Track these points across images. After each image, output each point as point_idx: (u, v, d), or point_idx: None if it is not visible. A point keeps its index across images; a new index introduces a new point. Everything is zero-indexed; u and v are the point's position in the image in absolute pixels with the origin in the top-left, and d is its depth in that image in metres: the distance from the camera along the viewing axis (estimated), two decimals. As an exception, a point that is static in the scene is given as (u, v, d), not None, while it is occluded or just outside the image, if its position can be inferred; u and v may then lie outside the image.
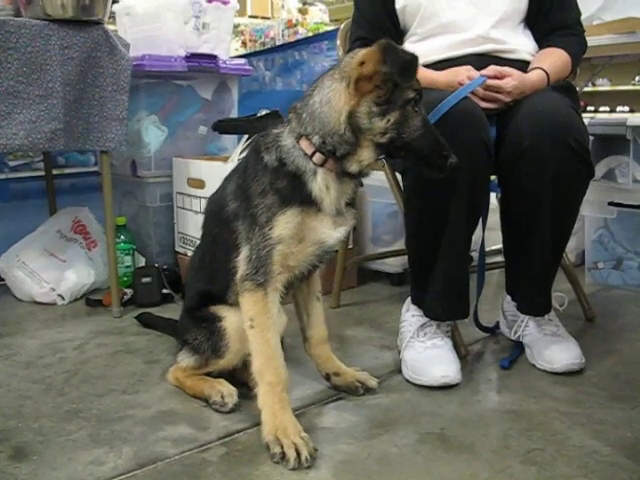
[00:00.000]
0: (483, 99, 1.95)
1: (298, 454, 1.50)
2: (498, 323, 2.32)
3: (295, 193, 1.60)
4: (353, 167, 1.61)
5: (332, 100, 1.58)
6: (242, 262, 1.66)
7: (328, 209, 1.63)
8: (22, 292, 2.86)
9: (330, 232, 1.65)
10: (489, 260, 2.27)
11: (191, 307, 1.91)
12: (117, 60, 2.49)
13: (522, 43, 2.15)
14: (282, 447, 1.52)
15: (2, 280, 2.95)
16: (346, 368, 1.92)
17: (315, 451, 1.54)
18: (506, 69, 1.97)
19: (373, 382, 1.90)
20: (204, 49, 3.00)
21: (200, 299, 1.88)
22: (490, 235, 2.16)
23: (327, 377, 1.91)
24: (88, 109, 2.48)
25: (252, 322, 1.64)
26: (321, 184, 1.61)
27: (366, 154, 1.59)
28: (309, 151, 1.60)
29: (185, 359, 1.88)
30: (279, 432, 1.55)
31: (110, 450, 1.59)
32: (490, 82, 1.94)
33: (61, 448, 1.61)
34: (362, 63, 1.55)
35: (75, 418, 1.76)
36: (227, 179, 1.82)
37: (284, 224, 1.59)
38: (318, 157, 1.60)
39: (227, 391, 1.82)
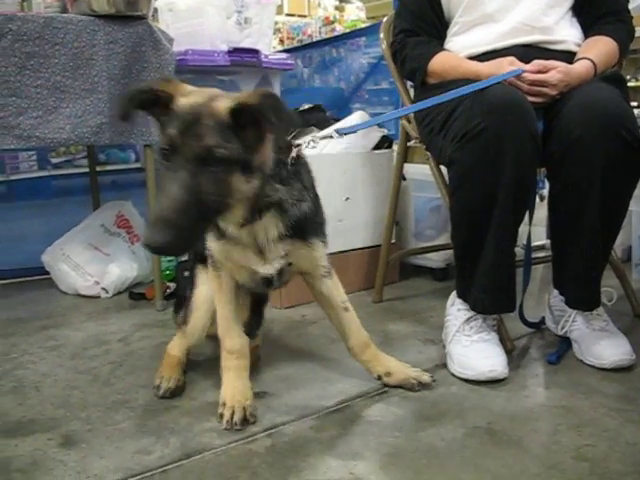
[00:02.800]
0: (529, 94, 1.92)
1: (232, 417, 1.65)
2: (544, 318, 2.28)
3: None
4: None
5: None
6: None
7: (246, 244, 1.61)
8: (67, 285, 2.90)
9: (257, 266, 1.65)
10: (532, 255, 2.23)
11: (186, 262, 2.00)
12: (161, 54, 2.50)
13: (569, 33, 2.12)
14: (224, 408, 1.68)
15: (47, 273, 3.00)
16: (396, 366, 1.89)
17: (254, 417, 1.67)
18: (551, 62, 1.94)
19: (426, 377, 1.88)
20: (246, 44, 3.01)
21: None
22: (533, 231, 2.12)
23: (379, 378, 1.88)
24: (133, 103, 2.49)
25: (214, 295, 1.78)
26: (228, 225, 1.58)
27: None
28: None
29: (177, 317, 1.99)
30: (228, 396, 1.70)
31: (157, 440, 1.60)
32: (534, 76, 1.92)
33: (108, 437, 1.62)
34: None
35: (122, 408, 1.78)
36: None
37: (212, 244, 1.67)
38: None
39: (167, 375, 1.87)
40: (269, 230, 1.59)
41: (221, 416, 1.67)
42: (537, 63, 1.94)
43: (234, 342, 1.75)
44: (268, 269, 1.65)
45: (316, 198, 1.69)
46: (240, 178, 1.38)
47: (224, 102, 1.36)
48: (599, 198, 1.85)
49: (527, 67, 1.94)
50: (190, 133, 1.32)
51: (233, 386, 1.72)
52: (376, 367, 1.87)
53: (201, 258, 1.84)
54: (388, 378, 1.87)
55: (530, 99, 1.90)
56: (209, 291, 1.84)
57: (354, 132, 1.92)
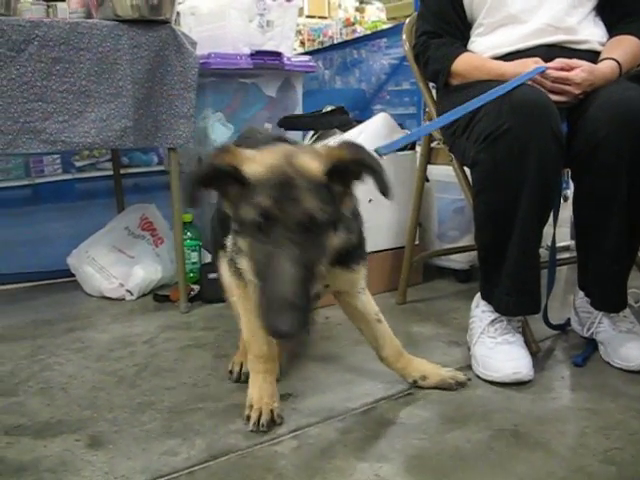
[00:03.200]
0: (552, 91, 1.91)
1: (259, 419, 1.65)
2: (569, 320, 2.26)
3: None
4: None
5: None
6: (229, 243, 1.69)
7: None
8: (92, 287, 2.93)
9: None
10: (557, 257, 2.21)
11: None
12: (184, 58, 2.52)
13: (593, 33, 2.11)
14: (251, 410, 1.68)
15: (73, 276, 3.02)
16: (431, 369, 1.89)
17: (281, 418, 1.68)
18: (574, 61, 1.94)
19: (462, 376, 1.88)
20: (268, 46, 3.01)
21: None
22: (557, 232, 2.11)
23: (414, 382, 1.88)
24: (156, 107, 2.51)
25: (237, 302, 1.77)
26: None
27: None
28: None
29: None
30: (255, 399, 1.71)
31: (183, 441, 1.61)
32: (558, 74, 1.91)
33: (135, 438, 1.63)
34: None
35: (148, 410, 1.79)
36: None
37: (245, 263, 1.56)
38: None
39: (239, 360, 1.98)
40: None
41: (248, 418, 1.67)
42: (560, 61, 1.93)
43: (261, 347, 1.75)
44: None
45: (361, 223, 1.64)
46: (333, 236, 1.35)
47: (311, 160, 1.32)
48: (625, 198, 1.84)
49: (550, 64, 1.93)
50: (287, 200, 1.25)
51: (260, 388, 1.73)
52: (411, 373, 1.88)
53: (220, 245, 1.81)
54: (424, 382, 1.87)
55: (553, 98, 1.89)
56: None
57: (394, 151, 1.88)
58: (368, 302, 1.83)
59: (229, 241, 1.69)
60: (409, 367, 1.88)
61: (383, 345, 1.85)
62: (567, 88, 1.92)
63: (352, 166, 1.33)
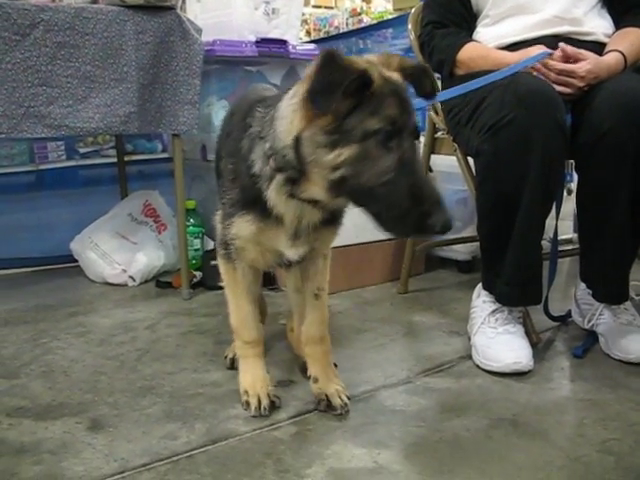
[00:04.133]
0: (556, 83, 1.91)
1: (260, 403, 1.66)
2: (569, 312, 2.27)
3: (254, 200, 1.49)
4: (303, 195, 1.42)
5: (287, 116, 1.37)
6: (217, 221, 1.67)
7: (287, 225, 1.49)
8: (95, 273, 2.94)
9: (286, 249, 1.55)
10: (559, 248, 2.21)
11: None
12: (190, 45, 2.52)
13: (598, 24, 2.11)
14: (248, 396, 1.69)
15: (76, 261, 3.03)
16: (326, 379, 1.75)
17: (278, 399, 1.70)
18: (581, 52, 1.92)
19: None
20: (274, 34, 3.00)
21: None
22: (560, 224, 2.11)
23: (306, 376, 1.79)
24: (161, 93, 2.52)
25: (226, 287, 1.74)
26: (277, 195, 1.45)
27: (316, 190, 1.38)
28: (268, 153, 1.44)
29: None
30: (248, 384, 1.71)
31: (183, 426, 1.62)
32: (563, 66, 1.90)
33: (135, 422, 1.64)
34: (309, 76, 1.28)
35: (148, 394, 1.80)
36: (228, 124, 1.76)
37: (240, 226, 1.55)
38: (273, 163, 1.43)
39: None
40: (313, 216, 1.51)
41: (247, 404, 1.68)
42: (563, 47, 1.92)
43: (251, 333, 1.74)
44: (294, 253, 1.57)
45: None
46: None
47: (391, 71, 1.35)
48: (629, 190, 1.84)
49: (556, 53, 1.92)
50: (409, 110, 1.31)
51: (252, 374, 1.74)
52: (311, 368, 1.76)
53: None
54: (315, 383, 1.74)
55: (558, 89, 1.88)
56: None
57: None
58: (325, 268, 1.74)
59: (218, 216, 1.66)
60: (317, 362, 1.75)
61: (310, 322, 1.76)
62: (571, 80, 1.91)
63: (412, 73, 1.40)
